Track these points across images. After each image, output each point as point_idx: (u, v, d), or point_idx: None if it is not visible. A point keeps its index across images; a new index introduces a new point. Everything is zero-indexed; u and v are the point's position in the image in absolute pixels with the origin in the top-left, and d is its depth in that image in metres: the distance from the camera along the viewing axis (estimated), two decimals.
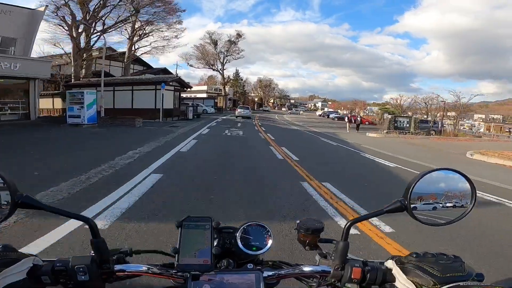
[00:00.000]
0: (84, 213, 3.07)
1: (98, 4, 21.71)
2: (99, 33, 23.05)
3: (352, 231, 2.82)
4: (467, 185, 0.60)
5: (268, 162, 7.76)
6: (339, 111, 75.62)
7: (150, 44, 32.05)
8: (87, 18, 21.07)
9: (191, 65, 43.71)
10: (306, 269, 0.62)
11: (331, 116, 55.06)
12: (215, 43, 44.84)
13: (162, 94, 18.14)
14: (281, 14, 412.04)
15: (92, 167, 5.28)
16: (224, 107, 43.87)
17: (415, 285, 0.54)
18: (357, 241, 2.87)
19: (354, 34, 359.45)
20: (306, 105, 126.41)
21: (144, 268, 0.60)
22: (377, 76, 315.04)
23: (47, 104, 21.92)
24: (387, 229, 3.24)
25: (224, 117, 28.92)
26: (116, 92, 19.65)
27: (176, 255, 0.59)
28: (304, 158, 8.46)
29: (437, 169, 0.60)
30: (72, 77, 22.27)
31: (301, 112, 73.10)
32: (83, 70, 23.31)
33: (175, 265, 0.59)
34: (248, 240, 0.67)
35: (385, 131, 20.22)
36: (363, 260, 0.61)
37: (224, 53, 45.48)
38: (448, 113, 33.99)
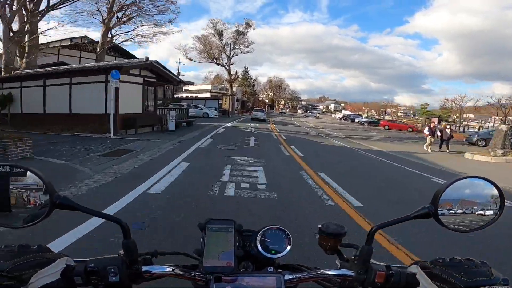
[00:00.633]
0: None
1: None
2: (43, 10, 15.62)
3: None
4: (496, 192, 0.60)
5: None
6: (362, 113, 67.24)
7: (134, 29, 24.59)
8: None
9: (190, 59, 36.14)
10: (328, 272, 0.62)
11: (357, 120, 46.58)
12: (220, 33, 37.13)
13: (115, 90, 10.23)
14: (288, 15, 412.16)
15: None
16: (230, 109, 36.08)
17: None
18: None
19: (363, 35, 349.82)
20: (317, 107, 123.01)
21: (169, 269, 0.60)
22: (387, 77, 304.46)
23: None
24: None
25: (230, 124, 20.66)
26: (48, 89, 12.04)
27: (200, 257, 0.60)
28: None
29: (465, 177, 0.60)
30: (3, 69, 14.78)
31: (318, 114, 64.74)
32: (23, 60, 15.77)
33: (199, 267, 0.60)
34: (267, 244, 0.67)
35: (499, 151, 11.85)
36: (386, 265, 0.61)
37: (230, 45, 37.72)
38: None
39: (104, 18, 21.44)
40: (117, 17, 22.41)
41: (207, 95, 36.96)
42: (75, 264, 0.56)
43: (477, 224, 0.61)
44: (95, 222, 2.91)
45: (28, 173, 0.56)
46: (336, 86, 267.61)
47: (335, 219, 2.97)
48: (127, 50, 26.67)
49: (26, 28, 15.02)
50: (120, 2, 21.52)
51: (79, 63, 21.33)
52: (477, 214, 0.60)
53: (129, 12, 22.41)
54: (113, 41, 24.39)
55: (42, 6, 15.68)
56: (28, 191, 0.56)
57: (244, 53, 38.49)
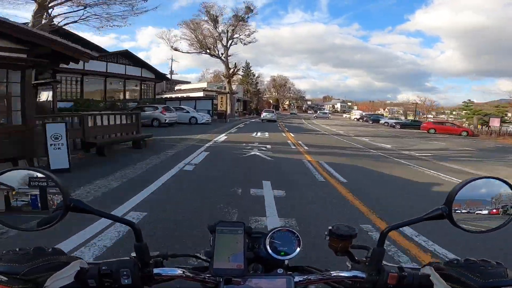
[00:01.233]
0: None
1: None
2: None
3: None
4: (511, 192, 0.60)
5: None
6: (383, 113, 59.51)
7: (86, 8, 16.89)
8: None
9: (175, 49, 28.64)
10: (338, 274, 0.62)
11: (382, 121, 38.70)
12: (214, 20, 29.58)
13: None
14: (289, 16, 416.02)
15: None
16: (229, 111, 28.43)
17: None
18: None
19: (364, 33, 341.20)
20: (323, 106, 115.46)
21: (180, 271, 0.60)
22: (390, 76, 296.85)
23: None
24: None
25: (223, 138, 12.66)
26: None
27: (210, 259, 0.60)
28: None
29: (479, 178, 0.60)
30: None
31: (329, 115, 56.95)
32: None
33: (209, 269, 0.60)
34: (276, 245, 0.66)
35: None
36: (399, 266, 0.60)
37: (227, 33, 30.13)
38: None
39: None
40: None
41: (201, 94, 29.47)
42: (89, 267, 0.56)
43: (492, 225, 0.59)
44: None
45: (43, 176, 0.56)
46: (340, 86, 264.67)
47: None
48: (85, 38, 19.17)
49: None
50: None
51: None
52: (492, 215, 0.59)
53: None
54: (54, 22, 16.72)
55: None
56: (43, 195, 0.56)
57: (244, 43, 30.83)
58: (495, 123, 25.72)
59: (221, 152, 8.83)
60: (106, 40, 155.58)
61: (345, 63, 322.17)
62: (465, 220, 0.59)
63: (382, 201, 4.54)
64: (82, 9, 15.60)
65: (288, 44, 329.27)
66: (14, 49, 5.39)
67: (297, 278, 0.59)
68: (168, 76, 36.01)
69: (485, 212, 0.60)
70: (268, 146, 10.43)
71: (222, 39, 30.08)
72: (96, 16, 15.57)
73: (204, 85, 35.16)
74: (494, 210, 0.60)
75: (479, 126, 27.39)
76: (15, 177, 0.56)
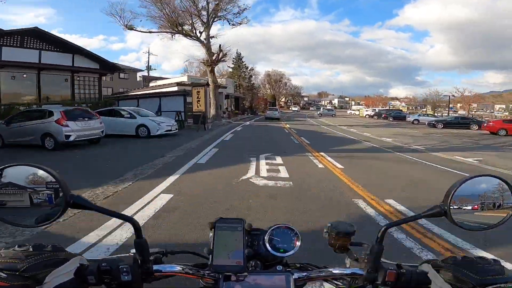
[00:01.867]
0: None
1: None
2: None
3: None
4: (508, 190, 0.60)
5: None
6: (402, 109, 52.15)
7: None
8: None
9: (131, 28, 20.05)
10: (337, 271, 0.62)
11: (411, 119, 31.00)
12: None
13: None
14: (280, 13, 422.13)
15: None
16: (212, 111, 20.26)
17: None
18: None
19: (355, 29, 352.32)
20: (319, 102, 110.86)
21: (179, 268, 0.60)
22: (381, 71, 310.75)
23: None
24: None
25: (159, 205, 4.66)
26: None
27: (210, 256, 0.60)
28: None
29: (477, 176, 0.60)
30: None
31: (335, 112, 49.09)
32: None
33: (209, 266, 0.60)
34: (275, 242, 0.66)
35: None
36: (397, 263, 0.61)
37: (209, 5, 21.82)
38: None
39: None
40: None
41: (175, 88, 21.11)
42: (88, 264, 0.56)
43: (490, 223, 0.60)
44: None
45: (42, 172, 0.55)
46: (332, 82, 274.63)
47: None
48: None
49: None
50: None
51: None
52: (490, 212, 0.60)
53: None
54: None
55: None
56: (42, 191, 0.55)
57: (233, 24, 22.55)
58: None
59: None
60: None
61: (337, 59, 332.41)
62: (463, 218, 0.59)
63: None
64: None
65: (280, 41, 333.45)
66: None
67: (296, 275, 0.59)
68: (142, 68, 27.40)
69: (483, 209, 0.59)
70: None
71: (201, 13, 21.75)
72: None
73: (184, 79, 26.82)
74: (492, 208, 0.59)
75: None
76: (15, 173, 0.55)
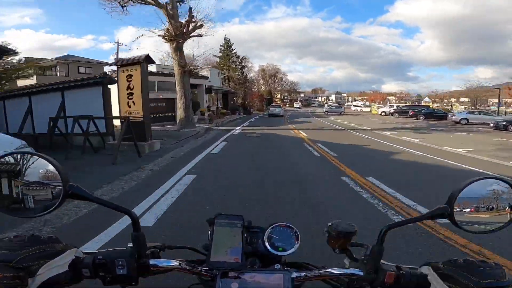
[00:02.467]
0: None
1: None
2: None
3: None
4: None
5: None
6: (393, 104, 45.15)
7: None
8: None
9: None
10: (336, 271, 0.61)
11: (458, 118, 23.54)
12: None
13: None
14: (272, 11, 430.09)
15: None
16: (180, 115, 12.32)
17: None
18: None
19: (347, 26, 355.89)
20: (316, 99, 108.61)
21: (176, 263, 0.60)
22: (374, 67, 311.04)
23: None
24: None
25: None
26: None
27: (208, 252, 0.60)
28: None
29: (482, 178, 0.59)
30: None
31: (344, 110, 41.55)
32: None
33: (206, 262, 0.59)
34: (274, 241, 0.65)
35: None
36: (397, 265, 0.60)
37: None
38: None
39: None
40: None
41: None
42: (84, 256, 0.56)
43: (494, 225, 0.59)
44: None
45: (42, 160, 0.54)
46: (326, 78, 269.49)
47: None
48: None
49: None
50: None
51: None
52: (495, 215, 0.59)
53: None
54: None
55: None
56: (41, 180, 0.54)
57: None
58: None
59: None
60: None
61: (330, 56, 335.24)
62: (467, 220, 0.59)
63: None
64: None
65: (273, 38, 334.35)
66: None
67: (294, 274, 0.58)
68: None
69: (487, 212, 0.59)
70: None
71: None
72: None
73: (152, 69, 18.67)
74: (496, 211, 0.59)
75: None
76: (15, 161, 0.54)
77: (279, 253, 0.63)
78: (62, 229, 2.84)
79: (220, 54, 36.14)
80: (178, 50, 13.36)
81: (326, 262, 0.69)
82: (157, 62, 17.69)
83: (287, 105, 75.93)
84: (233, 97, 30.85)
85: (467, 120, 22.15)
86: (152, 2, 13.67)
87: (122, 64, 8.09)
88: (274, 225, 0.66)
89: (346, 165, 6.19)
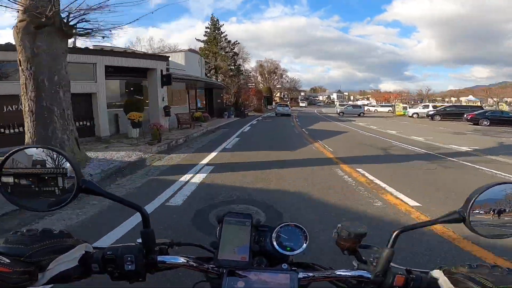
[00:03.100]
0: None
1: None
2: None
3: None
4: None
5: None
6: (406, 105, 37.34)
7: None
8: None
9: None
10: (344, 273, 0.60)
11: None
12: None
13: None
14: (270, 10, 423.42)
15: None
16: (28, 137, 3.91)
17: None
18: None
19: (344, 25, 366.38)
20: (316, 98, 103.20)
21: (183, 260, 0.60)
22: (371, 66, 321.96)
23: None
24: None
25: None
26: None
27: (216, 250, 0.60)
28: None
29: (500, 183, 0.57)
30: None
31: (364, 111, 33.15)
32: None
33: (214, 260, 0.59)
34: (282, 240, 0.65)
35: None
36: (407, 268, 0.58)
37: None
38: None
39: None
40: None
41: None
42: (94, 251, 0.56)
43: (510, 231, 0.57)
44: None
45: (57, 155, 0.55)
46: (324, 77, 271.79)
47: None
48: None
49: None
50: None
51: None
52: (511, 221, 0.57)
53: None
54: None
55: None
56: (55, 175, 0.55)
57: None
58: None
59: None
60: None
61: (328, 55, 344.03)
62: (483, 225, 0.57)
63: None
64: None
65: (271, 38, 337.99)
66: None
67: (301, 275, 0.58)
68: None
69: (505, 218, 0.57)
70: None
71: None
72: None
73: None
74: None
75: None
76: (29, 155, 0.55)
77: (287, 253, 0.63)
78: None
79: (205, 38, 27.73)
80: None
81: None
82: None
83: (304, 103, 72.62)
84: (221, 93, 22.43)
85: None
86: None
87: None
88: (282, 224, 0.66)
89: None
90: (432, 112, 26.02)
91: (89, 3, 9.63)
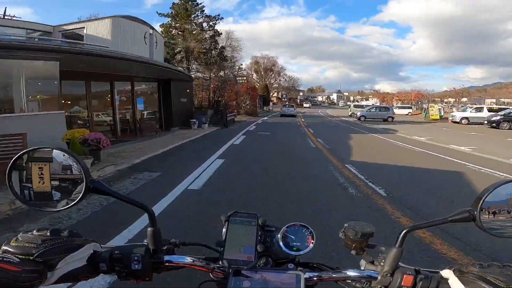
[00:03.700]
0: None
1: None
2: None
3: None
4: None
5: None
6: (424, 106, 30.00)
7: None
8: None
9: None
10: (350, 273, 0.59)
11: None
12: None
13: None
14: (266, 10, 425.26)
15: None
16: None
17: None
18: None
19: (341, 25, 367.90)
20: (315, 98, 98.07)
21: (190, 260, 0.59)
22: (367, 66, 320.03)
23: None
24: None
25: None
26: None
27: (222, 249, 0.60)
28: None
29: (510, 181, 0.55)
30: None
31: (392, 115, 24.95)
32: None
33: (219, 259, 0.60)
34: (289, 240, 0.64)
35: None
36: (416, 268, 0.57)
37: None
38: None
39: None
40: None
41: None
42: (102, 251, 0.56)
43: None
44: None
45: (66, 156, 0.55)
46: (319, 78, 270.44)
47: None
48: None
49: None
50: None
51: None
52: None
53: None
54: None
55: None
56: (64, 175, 0.56)
57: None
58: None
59: None
60: None
61: (324, 55, 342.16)
62: (494, 224, 0.56)
63: None
64: None
65: (267, 38, 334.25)
66: None
67: (307, 275, 0.57)
68: None
69: None
70: None
71: None
72: None
73: None
74: None
75: None
76: (40, 155, 0.56)
77: (293, 253, 0.62)
78: None
79: (173, 11, 19.40)
80: None
81: None
82: None
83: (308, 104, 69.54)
84: (188, 88, 14.10)
85: None
86: None
87: None
88: (289, 224, 0.66)
89: None
90: (497, 118, 18.23)
91: None
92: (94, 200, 3.54)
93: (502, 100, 42.19)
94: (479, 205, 0.54)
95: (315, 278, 0.58)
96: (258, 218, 0.64)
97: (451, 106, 40.10)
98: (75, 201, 0.55)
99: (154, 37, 13.21)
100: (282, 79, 68.83)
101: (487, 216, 0.55)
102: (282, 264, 0.62)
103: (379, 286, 0.57)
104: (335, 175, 5.22)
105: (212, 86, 16.39)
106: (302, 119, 22.34)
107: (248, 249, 0.60)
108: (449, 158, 7.20)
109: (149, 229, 0.57)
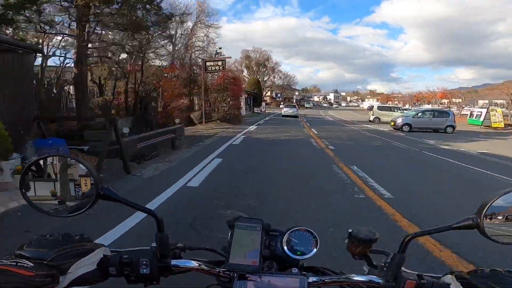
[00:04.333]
0: None
1: None
2: None
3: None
4: None
5: None
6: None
7: None
8: None
9: None
10: (354, 278, 0.60)
11: None
12: None
13: None
14: (260, 10, 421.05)
15: None
16: None
17: None
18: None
19: (334, 26, 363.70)
20: (310, 98, 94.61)
21: (196, 264, 0.61)
22: (359, 67, 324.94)
23: None
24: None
25: None
26: None
27: (227, 254, 0.61)
28: None
29: None
30: None
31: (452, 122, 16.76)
32: None
33: (225, 264, 0.60)
34: (293, 244, 0.65)
35: None
36: (418, 273, 0.58)
37: None
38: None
39: None
40: None
41: None
42: (111, 255, 0.57)
43: None
44: None
45: (76, 163, 0.57)
46: (312, 78, 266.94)
47: None
48: None
49: None
50: None
51: None
52: None
53: None
54: None
55: None
56: (75, 182, 0.57)
57: None
58: None
59: None
60: None
61: (317, 56, 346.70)
62: (498, 232, 0.56)
63: None
64: None
65: (261, 38, 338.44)
66: None
67: (311, 279, 0.58)
68: None
69: None
70: None
71: None
72: None
73: None
74: None
75: None
76: (50, 163, 0.57)
77: (297, 257, 0.63)
78: None
79: None
80: None
81: None
82: None
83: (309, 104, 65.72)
84: (25, 73, 5.65)
85: None
86: None
87: None
88: (293, 229, 0.66)
89: None
90: None
91: None
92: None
93: (495, 101, 41.26)
94: (483, 213, 0.54)
95: (319, 282, 0.58)
96: (263, 223, 0.64)
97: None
98: (86, 207, 0.56)
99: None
100: (276, 75, 60.75)
101: (491, 224, 0.55)
102: (286, 268, 0.62)
103: None
104: None
105: (129, 69, 7.97)
106: (313, 130, 14.14)
107: (253, 254, 0.60)
108: None
109: (157, 234, 0.58)
